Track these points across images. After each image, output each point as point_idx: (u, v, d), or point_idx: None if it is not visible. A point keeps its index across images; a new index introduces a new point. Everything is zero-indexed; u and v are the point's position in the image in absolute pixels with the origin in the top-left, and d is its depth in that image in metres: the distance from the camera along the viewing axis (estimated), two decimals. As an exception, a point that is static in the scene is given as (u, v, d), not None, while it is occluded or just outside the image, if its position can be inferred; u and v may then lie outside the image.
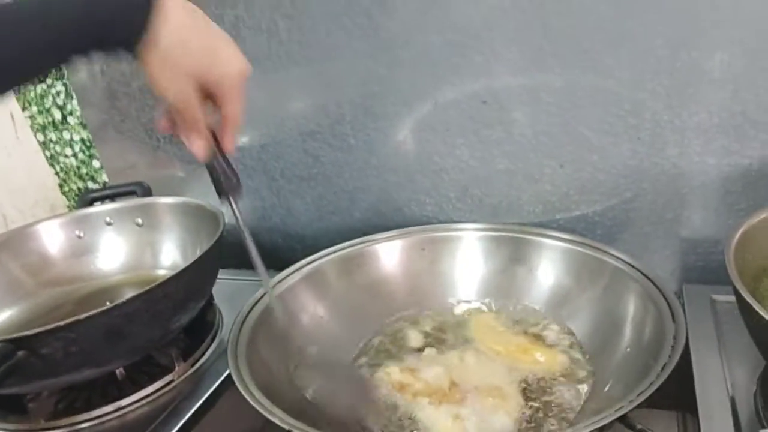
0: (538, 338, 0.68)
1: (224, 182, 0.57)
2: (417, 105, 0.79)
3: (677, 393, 0.56)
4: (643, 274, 0.63)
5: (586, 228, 0.78)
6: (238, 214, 0.59)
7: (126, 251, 0.84)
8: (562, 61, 0.70)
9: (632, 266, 0.65)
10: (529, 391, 0.62)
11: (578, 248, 0.70)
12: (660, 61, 0.66)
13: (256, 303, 0.67)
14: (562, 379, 0.62)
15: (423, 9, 0.73)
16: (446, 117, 0.78)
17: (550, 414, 0.59)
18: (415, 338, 0.71)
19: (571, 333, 0.68)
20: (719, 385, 0.57)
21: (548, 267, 0.72)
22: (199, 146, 0.54)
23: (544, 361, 0.65)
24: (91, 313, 0.55)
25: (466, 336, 0.71)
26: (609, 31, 0.67)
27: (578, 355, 0.65)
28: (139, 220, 0.84)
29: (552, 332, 0.68)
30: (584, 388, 0.61)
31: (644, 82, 0.68)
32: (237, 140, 0.88)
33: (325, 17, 0.77)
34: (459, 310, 0.75)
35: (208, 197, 0.93)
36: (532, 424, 0.58)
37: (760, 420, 0.53)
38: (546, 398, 0.60)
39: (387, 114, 0.81)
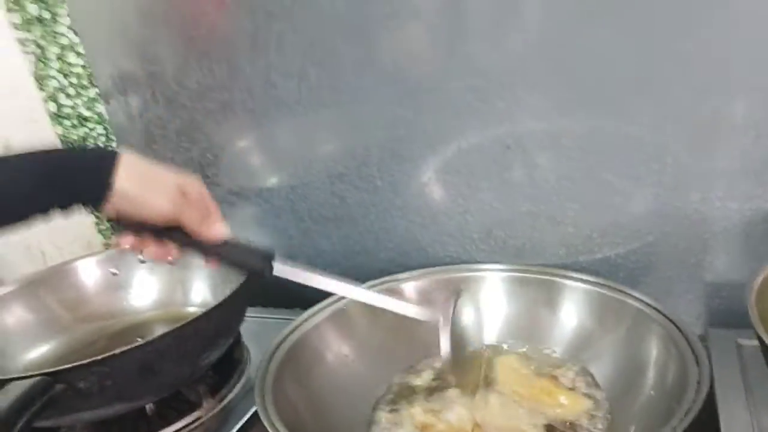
0: (559, 381, 0.69)
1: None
2: (441, 148, 0.81)
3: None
4: (666, 317, 0.64)
5: (609, 270, 0.78)
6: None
7: (158, 288, 0.86)
8: (584, 107, 0.72)
9: (655, 309, 0.65)
10: (553, 434, 0.62)
11: (601, 290, 0.71)
12: (682, 107, 0.68)
13: (282, 341, 0.69)
14: (585, 422, 0.62)
15: (446, 56, 0.76)
16: (470, 160, 0.80)
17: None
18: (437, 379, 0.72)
19: (590, 375, 0.68)
20: (745, 430, 0.57)
21: (571, 309, 0.73)
22: (217, 228, 0.60)
23: (567, 404, 0.65)
24: (125, 348, 0.57)
25: (490, 377, 0.71)
26: (631, 79, 0.69)
27: (600, 398, 0.65)
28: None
29: (573, 374, 0.68)
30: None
31: (666, 128, 0.69)
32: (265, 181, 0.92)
33: (354, 64, 0.80)
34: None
35: (237, 235, 0.97)
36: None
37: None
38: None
39: (412, 157, 0.83)
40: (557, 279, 0.74)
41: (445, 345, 0.61)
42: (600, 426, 0.61)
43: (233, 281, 0.73)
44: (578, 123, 0.73)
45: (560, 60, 0.71)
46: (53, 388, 0.53)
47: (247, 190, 0.94)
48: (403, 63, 0.78)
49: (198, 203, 0.58)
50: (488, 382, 0.70)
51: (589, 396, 0.66)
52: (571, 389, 0.67)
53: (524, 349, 0.74)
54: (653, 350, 0.62)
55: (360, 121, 0.84)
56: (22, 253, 1.19)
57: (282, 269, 0.61)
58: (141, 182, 0.55)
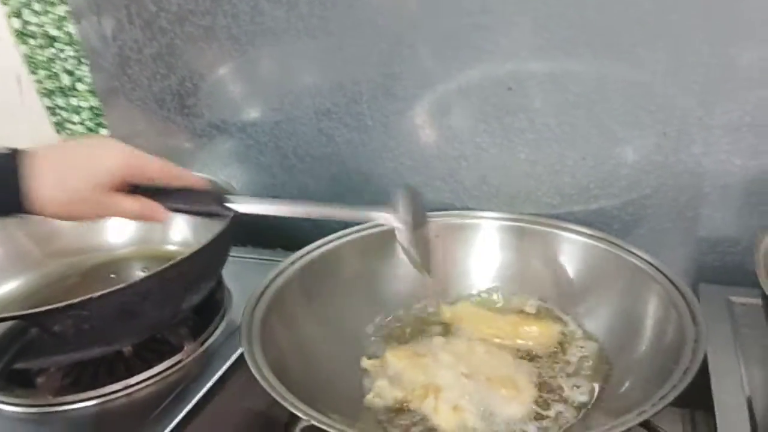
0: (525, 312, 0.71)
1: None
2: (438, 88, 0.77)
3: (688, 390, 0.56)
4: (664, 275, 0.63)
5: (604, 222, 0.76)
6: None
7: (135, 224, 0.82)
8: (594, 50, 0.69)
9: (652, 265, 0.64)
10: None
11: (597, 243, 0.69)
12: (698, 56, 0.64)
13: (269, 284, 0.66)
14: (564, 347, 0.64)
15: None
16: (468, 102, 0.76)
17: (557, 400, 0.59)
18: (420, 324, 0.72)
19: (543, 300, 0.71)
20: (736, 386, 0.57)
21: (566, 261, 0.71)
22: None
23: (540, 330, 0.67)
24: (105, 291, 0.54)
25: (454, 326, 0.71)
26: (648, 24, 0.65)
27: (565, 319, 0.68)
28: (150, 193, 0.82)
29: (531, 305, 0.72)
30: (596, 386, 0.60)
31: (678, 77, 0.66)
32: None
33: (348, -8, 0.74)
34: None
35: (217, 171, 0.93)
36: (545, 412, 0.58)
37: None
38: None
39: (406, 95, 0.79)
40: (553, 230, 0.73)
41: (406, 243, 0.64)
42: (590, 379, 0.61)
43: (215, 221, 0.70)
44: (584, 67, 0.70)
45: (574, 2, 0.67)
46: (28, 333, 0.50)
47: (229, 123, 0.89)
48: (402, -7, 0.73)
49: (140, 177, 0.56)
50: (453, 331, 0.70)
51: (555, 319, 0.68)
52: (537, 318, 0.69)
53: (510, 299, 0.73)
54: (650, 308, 0.62)
55: (351, 55, 0.79)
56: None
57: (239, 206, 0.62)
58: (60, 185, 0.52)
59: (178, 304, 0.63)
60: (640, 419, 0.46)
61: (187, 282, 0.63)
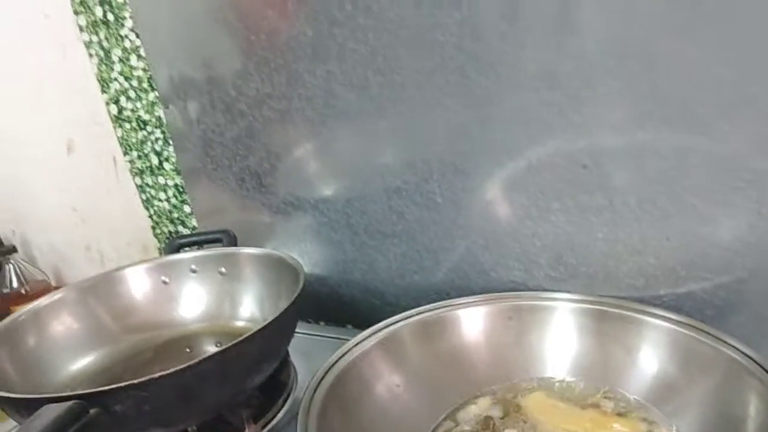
0: (603, 409, 0.64)
1: None
2: (508, 164, 0.75)
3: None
4: (764, 369, 0.55)
5: (694, 307, 0.70)
6: None
7: (206, 300, 0.84)
8: (670, 124, 0.65)
9: (751, 359, 0.57)
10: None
11: (687, 332, 0.63)
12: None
13: (330, 367, 0.64)
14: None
15: (518, 66, 0.70)
16: (540, 179, 0.73)
17: None
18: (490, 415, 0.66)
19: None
20: None
21: (650, 350, 0.65)
22: None
23: (624, 429, 0.60)
24: (164, 372, 0.54)
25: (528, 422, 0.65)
26: (727, 95, 0.61)
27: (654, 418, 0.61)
28: (223, 269, 0.84)
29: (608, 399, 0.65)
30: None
31: (765, 149, 0.61)
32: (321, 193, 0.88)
33: (417, 73, 0.75)
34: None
35: (292, 246, 0.94)
36: None
37: None
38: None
39: (476, 173, 0.77)
40: (636, 315, 0.67)
41: None
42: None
43: (283, 297, 0.70)
44: (662, 142, 0.66)
45: (646, 73, 0.64)
46: (87, 413, 0.50)
47: (303, 200, 0.91)
48: (471, 73, 0.73)
49: None
50: (529, 426, 0.64)
51: (640, 417, 0.60)
52: (620, 414, 0.61)
53: (593, 391, 0.67)
54: (750, 408, 0.54)
55: (421, 133, 0.79)
56: (83, 253, 1.20)
57: None
58: None
59: (239, 384, 0.63)
60: None
61: (249, 362, 0.62)
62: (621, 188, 0.70)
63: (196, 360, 0.56)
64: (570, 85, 0.67)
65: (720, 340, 0.60)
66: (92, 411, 0.51)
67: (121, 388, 0.52)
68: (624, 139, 0.67)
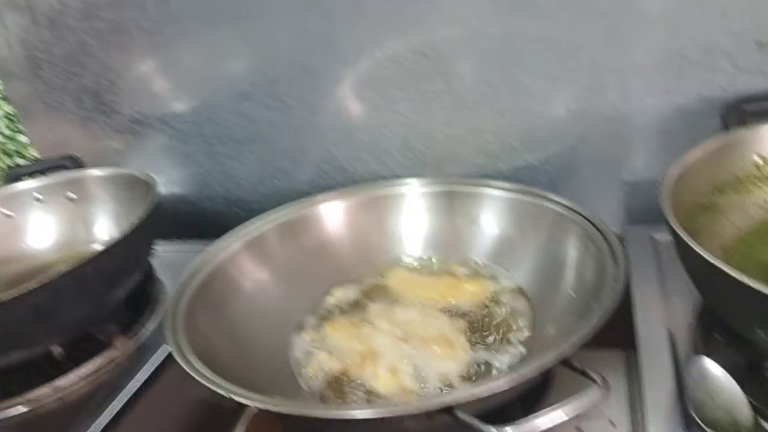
0: (456, 274, 0.71)
1: None
2: (355, 61, 0.76)
3: (625, 332, 0.57)
4: (584, 217, 0.63)
5: (531, 177, 0.77)
6: None
7: (57, 228, 0.80)
8: (499, 8, 0.69)
9: (574, 210, 0.64)
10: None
11: (520, 197, 0.69)
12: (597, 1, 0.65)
13: (198, 271, 0.65)
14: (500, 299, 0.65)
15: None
16: (386, 72, 0.76)
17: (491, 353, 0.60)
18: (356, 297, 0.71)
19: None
20: (659, 321, 0.58)
21: (492, 218, 0.71)
22: None
23: (474, 289, 0.67)
24: (15, 293, 0.52)
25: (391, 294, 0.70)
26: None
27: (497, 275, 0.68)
28: (71, 194, 0.80)
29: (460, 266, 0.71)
30: (526, 335, 0.61)
31: (581, 24, 0.67)
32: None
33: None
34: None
35: (144, 165, 0.91)
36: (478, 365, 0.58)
37: (696, 350, 0.54)
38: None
39: (324, 71, 0.78)
40: (478, 189, 0.72)
41: None
42: (517, 329, 0.62)
43: (138, 213, 0.68)
44: (494, 26, 0.70)
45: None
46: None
47: (150, 115, 0.87)
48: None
49: None
50: (390, 298, 0.69)
51: (488, 277, 0.68)
52: (469, 276, 0.69)
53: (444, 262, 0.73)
54: (572, 251, 0.62)
55: (263, 34, 0.77)
56: None
57: None
58: None
59: (99, 300, 0.62)
60: (558, 358, 0.46)
61: (106, 277, 0.61)
62: (458, 73, 0.73)
63: (48, 279, 0.55)
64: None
65: (547, 198, 0.67)
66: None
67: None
68: (459, 26, 0.71)
